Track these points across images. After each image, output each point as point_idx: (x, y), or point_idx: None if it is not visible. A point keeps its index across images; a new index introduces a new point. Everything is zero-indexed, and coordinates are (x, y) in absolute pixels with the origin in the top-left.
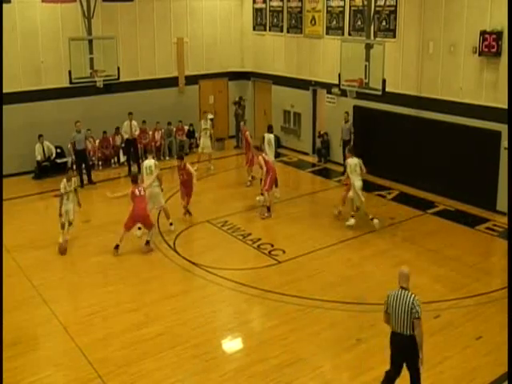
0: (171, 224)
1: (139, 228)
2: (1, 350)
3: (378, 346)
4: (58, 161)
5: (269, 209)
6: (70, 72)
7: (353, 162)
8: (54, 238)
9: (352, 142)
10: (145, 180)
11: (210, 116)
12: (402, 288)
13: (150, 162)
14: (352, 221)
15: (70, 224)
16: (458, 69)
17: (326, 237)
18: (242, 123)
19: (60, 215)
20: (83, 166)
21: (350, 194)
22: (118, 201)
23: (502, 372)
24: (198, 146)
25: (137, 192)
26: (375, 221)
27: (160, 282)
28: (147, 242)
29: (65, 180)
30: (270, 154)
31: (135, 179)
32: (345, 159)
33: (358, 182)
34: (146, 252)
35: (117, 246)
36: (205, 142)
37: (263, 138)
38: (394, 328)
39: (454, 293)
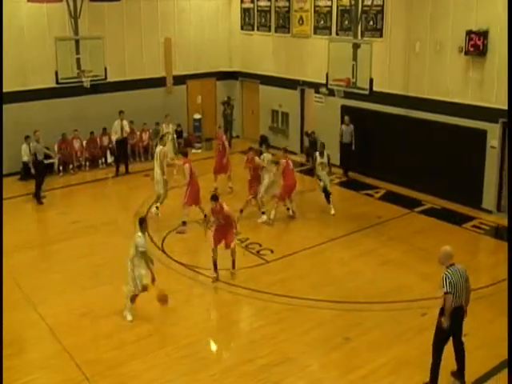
0: (157, 208)
1: (156, 207)
2: (1, 350)
3: (365, 344)
4: (45, 161)
5: (264, 213)
6: (56, 72)
7: (267, 156)
8: (41, 239)
9: (354, 146)
10: (155, 166)
11: (198, 116)
12: (452, 265)
13: (162, 149)
14: (264, 217)
15: (145, 290)
16: (445, 68)
17: (313, 236)
18: (218, 127)
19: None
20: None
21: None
22: (105, 202)
23: (491, 367)
24: (185, 146)
25: (192, 169)
26: (263, 217)
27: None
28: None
29: (140, 234)
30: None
31: (186, 154)
32: (343, 163)
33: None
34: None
35: (205, 216)
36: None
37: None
38: (453, 304)
39: (440, 291)
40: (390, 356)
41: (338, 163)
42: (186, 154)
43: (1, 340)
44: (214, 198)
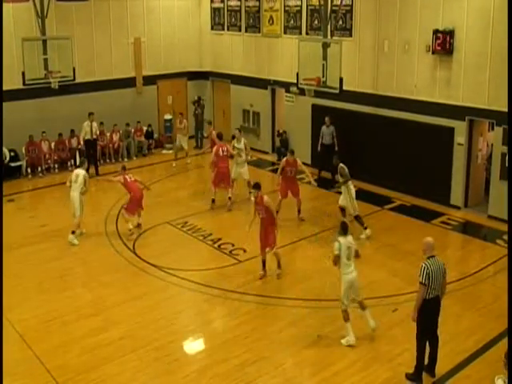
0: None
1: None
2: (1, 350)
3: (338, 341)
4: (12, 164)
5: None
6: (23, 73)
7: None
8: (9, 243)
9: (336, 147)
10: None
11: (168, 116)
12: (431, 256)
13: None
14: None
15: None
16: (413, 67)
17: (285, 235)
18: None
19: None
20: None
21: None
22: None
23: (459, 361)
24: (156, 146)
25: (220, 152)
26: (367, 231)
27: (120, 285)
28: (229, 198)
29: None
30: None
31: (221, 136)
32: (324, 164)
33: (353, 190)
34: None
35: (213, 201)
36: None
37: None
38: (430, 295)
39: (411, 286)
40: (362, 352)
41: (309, 162)
42: (220, 137)
43: (1, 340)
44: (257, 186)
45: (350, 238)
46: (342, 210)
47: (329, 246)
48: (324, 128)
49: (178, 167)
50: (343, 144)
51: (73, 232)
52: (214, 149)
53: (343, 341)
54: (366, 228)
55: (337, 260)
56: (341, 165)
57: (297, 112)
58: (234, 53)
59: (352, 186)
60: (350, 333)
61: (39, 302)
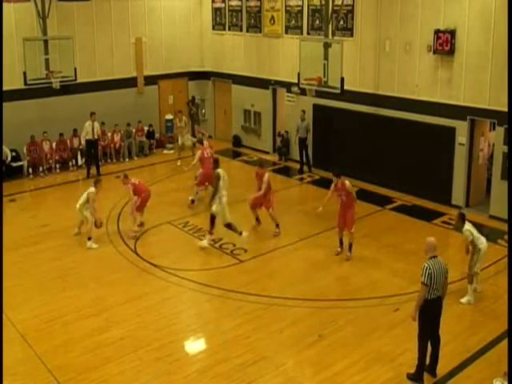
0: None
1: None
2: (1, 350)
3: (338, 341)
4: (14, 164)
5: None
6: (24, 73)
7: (223, 173)
8: (10, 243)
9: (307, 141)
10: None
11: (170, 116)
12: (433, 257)
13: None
14: (204, 242)
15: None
16: (414, 67)
17: (286, 235)
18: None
19: None
20: None
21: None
22: (75, 205)
23: (461, 361)
24: (157, 146)
25: (205, 154)
26: (244, 234)
27: (121, 285)
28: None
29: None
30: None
31: (201, 141)
32: (301, 157)
33: (224, 198)
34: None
35: (192, 201)
36: None
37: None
38: (431, 296)
39: (412, 286)
40: (363, 352)
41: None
42: (201, 142)
43: (1, 340)
44: (337, 174)
45: (469, 223)
46: (214, 217)
47: (329, 246)
48: (299, 122)
49: (182, 166)
50: (345, 144)
51: (89, 238)
52: (199, 152)
53: (463, 300)
54: (241, 233)
55: (472, 244)
56: (218, 171)
57: (298, 112)
58: (235, 53)
59: (225, 193)
60: (472, 293)
61: (40, 301)
